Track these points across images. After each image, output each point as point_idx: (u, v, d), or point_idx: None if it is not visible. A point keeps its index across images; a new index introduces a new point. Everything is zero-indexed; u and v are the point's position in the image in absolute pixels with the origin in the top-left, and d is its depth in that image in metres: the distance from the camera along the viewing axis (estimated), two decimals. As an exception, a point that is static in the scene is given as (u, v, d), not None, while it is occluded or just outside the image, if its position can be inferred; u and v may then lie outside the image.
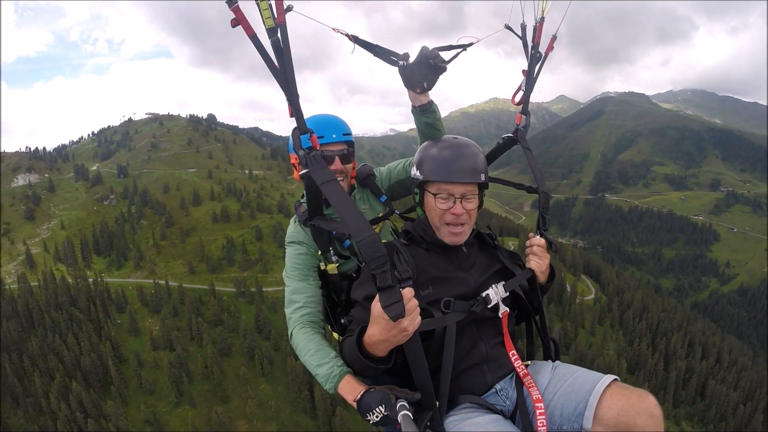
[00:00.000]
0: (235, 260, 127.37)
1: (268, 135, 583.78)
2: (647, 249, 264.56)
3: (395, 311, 2.06)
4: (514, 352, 2.85)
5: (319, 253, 3.27)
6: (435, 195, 2.86)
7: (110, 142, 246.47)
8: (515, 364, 2.80)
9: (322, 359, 2.71)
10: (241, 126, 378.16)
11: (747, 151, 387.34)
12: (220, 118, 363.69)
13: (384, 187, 3.77)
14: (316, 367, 2.70)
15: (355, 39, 2.90)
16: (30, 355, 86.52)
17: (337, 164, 3.32)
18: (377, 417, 2.26)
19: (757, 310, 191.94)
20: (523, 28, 3.60)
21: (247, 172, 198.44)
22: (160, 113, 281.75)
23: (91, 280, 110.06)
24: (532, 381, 2.76)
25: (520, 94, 3.64)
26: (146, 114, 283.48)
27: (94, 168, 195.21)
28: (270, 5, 2.14)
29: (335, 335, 3.36)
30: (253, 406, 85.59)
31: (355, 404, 2.40)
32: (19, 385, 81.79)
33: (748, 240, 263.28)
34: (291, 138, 2.53)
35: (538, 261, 3.11)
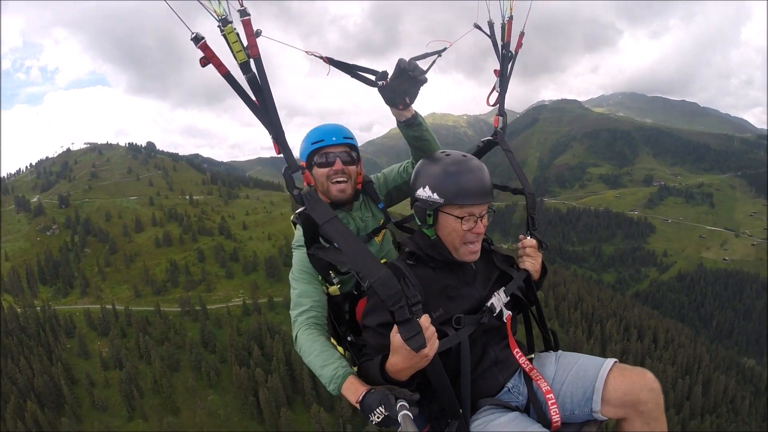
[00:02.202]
0: (179, 281, 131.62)
1: (209, 161, 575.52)
2: (587, 247, 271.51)
3: (417, 343, 2.08)
4: (518, 350, 3.04)
5: (320, 278, 3.26)
6: (460, 217, 2.81)
7: (49, 173, 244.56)
8: (521, 362, 2.99)
9: (326, 360, 2.74)
10: (181, 153, 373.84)
11: (676, 146, 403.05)
12: (159, 146, 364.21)
13: (382, 193, 3.82)
14: (320, 368, 2.73)
15: (329, 60, 2.85)
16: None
17: (338, 165, 3.35)
18: (378, 417, 2.24)
19: (696, 293, 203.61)
20: (491, 25, 3.67)
21: (187, 197, 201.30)
22: (99, 143, 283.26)
23: (39, 308, 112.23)
24: (538, 374, 2.93)
25: (495, 95, 3.82)
26: (85, 144, 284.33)
27: (35, 199, 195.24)
28: (239, 37, 2.05)
29: (340, 349, 3.15)
30: (203, 416, 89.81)
31: (357, 405, 2.41)
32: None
33: (682, 229, 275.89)
34: (284, 176, 2.44)
35: (532, 261, 3.26)
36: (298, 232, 3.38)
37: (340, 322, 3.37)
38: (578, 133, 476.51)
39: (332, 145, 3.35)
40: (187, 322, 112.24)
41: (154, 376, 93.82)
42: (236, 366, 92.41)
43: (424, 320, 2.15)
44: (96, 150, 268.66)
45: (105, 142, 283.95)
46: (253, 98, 2.17)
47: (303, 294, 3.16)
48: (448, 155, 2.94)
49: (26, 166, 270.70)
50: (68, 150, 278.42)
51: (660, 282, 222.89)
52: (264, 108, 2.17)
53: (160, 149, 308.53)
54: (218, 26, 2.04)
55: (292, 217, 3.51)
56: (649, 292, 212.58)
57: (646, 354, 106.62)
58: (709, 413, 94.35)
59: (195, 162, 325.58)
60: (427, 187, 2.84)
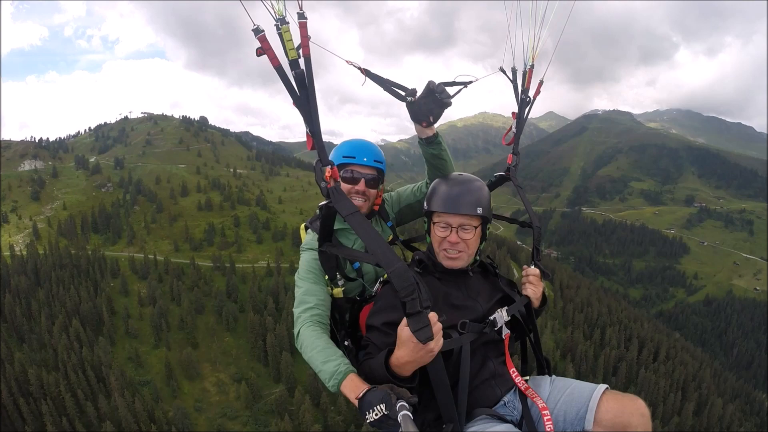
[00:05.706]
0: (214, 241, 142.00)
1: (259, 140, 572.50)
2: (618, 260, 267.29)
3: (425, 335, 2.16)
4: (514, 369, 3.16)
5: (326, 278, 3.35)
6: (435, 224, 3.17)
7: (107, 137, 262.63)
8: (516, 380, 3.11)
9: (328, 357, 2.77)
10: (232, 129, 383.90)
11: (723, 169, 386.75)
12: (212, 121, 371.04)
13: (394, 211, 3.99)
14: (321, 364, 2.75)
15: (366, 72, 3.08)
16: (38, 301, 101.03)
17: (360, 185, 3.53)
18: (377, 415, 2.24)
19: (721, 319, 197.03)
20: (514, 72, 3.99)
21: (232, 170, 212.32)
22: (155, 113, 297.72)
23: (90, 251, 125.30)
24: (534, 393, 3.02)
25: (511, 134, 4.05)
26: (141, 113, 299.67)
27: (93, 160, 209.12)
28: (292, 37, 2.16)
29: None
30: (218, 352, 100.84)
31: (356, 402, 2.41)
32: (26, 323, 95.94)
33: (717, 253, 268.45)
34: (315, 169, 2.57)
35: (534, 289, 3.47)
36: (308, 237, 3.64)
37: (338, 326, 3.51)
38: (625, 146, 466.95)
39: (361, 164, 3.59)
40: (217, 275, 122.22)
41: (182, 315, 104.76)
42: (250, 313, 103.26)
43: (433, 316, 2.24)
44: (152, 120, 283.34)
45: (160, 113, 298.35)
46: (298, 93, 2.33)
47: (308, 292, 3.28)
48: (452, 176, 3.37)
49: (85, 129, 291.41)
50: (126, 117, 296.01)
51: (686, 304, 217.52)
52: (306, 102, 2.33)
53: (213, 124, 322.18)
54: (275, 24, 2.20)
55: (303, 223, 3.82)
56: (674, 313, 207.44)
57: (642, 365, 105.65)
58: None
59: (243, 139, 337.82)
60: (425, 199, 3.35)
